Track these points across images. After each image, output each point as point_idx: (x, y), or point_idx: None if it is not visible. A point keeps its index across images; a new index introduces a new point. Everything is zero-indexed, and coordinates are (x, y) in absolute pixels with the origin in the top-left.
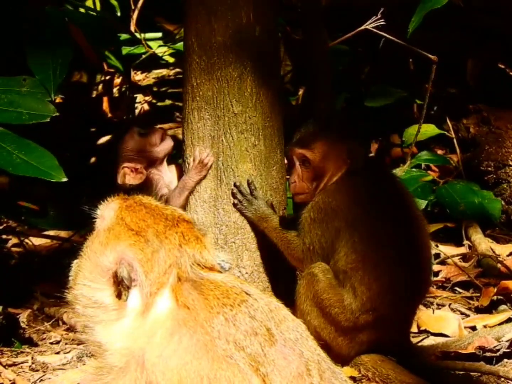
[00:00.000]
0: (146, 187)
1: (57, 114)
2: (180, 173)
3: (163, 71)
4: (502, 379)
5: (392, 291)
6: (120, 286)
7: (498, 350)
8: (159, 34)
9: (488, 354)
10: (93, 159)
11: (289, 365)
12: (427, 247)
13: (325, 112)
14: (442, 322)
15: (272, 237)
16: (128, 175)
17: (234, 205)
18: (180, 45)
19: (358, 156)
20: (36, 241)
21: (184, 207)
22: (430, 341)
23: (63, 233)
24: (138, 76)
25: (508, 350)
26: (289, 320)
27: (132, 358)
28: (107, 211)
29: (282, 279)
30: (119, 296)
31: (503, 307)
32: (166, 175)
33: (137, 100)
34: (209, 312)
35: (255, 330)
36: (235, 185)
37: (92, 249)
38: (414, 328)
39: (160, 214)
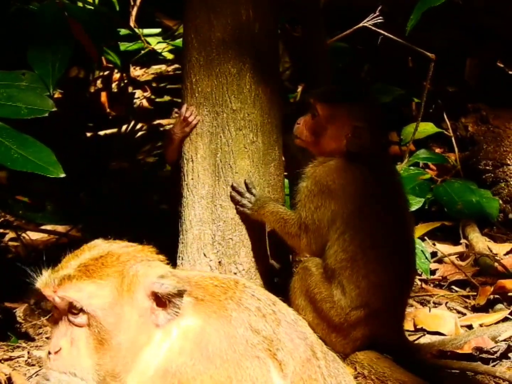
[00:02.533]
0: None
1: (56, 109)
2: None
3: (162, 67)
4: (498, 379)
5: (381, 286)
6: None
7: (495, 352)
8: (158, 30)
9: (484, 355)
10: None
11: (297, 348)
12: (412, 240)
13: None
14: (439, 321)
15: (270, 222)
16: None
17: (236, 208)
18: (179, 41)
19: (360, 141)
20: (33, 235)
21: (175, 152)
22: (426, 339)
23: (60, 228)
24: (137, 72)
25: (504, 351)
26: (281, 303)
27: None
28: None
29: (279, 276)
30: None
31: (499, 306)
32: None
33: (136, 96)
34: (219, 301)
35: (262, 311)
36: (232, 186)
37: (117, 303)
38: (410, 327)
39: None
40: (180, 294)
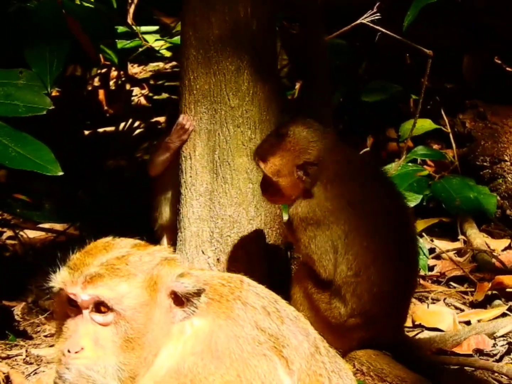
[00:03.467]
0: None
1: (54, 107)
2: None
3: (160, 64)
4: (496, 374)
5: (384, 296)
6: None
7: (495, 354)
8: (156, 28)
9: (484, 358)
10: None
11: (301, 344)
12: (414, 240)
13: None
14: (437, 317)
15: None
16: None
17: None
18: (177, 39)
19: (312, 174)
20: (31, 233)
21: (166, 166)
22: (425, 335)
23: (58, 226)
24: (134, 69)
25: (504, 353)
26: (282, 300)
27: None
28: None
29: (277, 273)
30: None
31: (497, 302)
32: None
33: (134, 93)
34: (227, 301)
35: (267, 309)
36: None
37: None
38: (409, 323)
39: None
40: (198, 293)
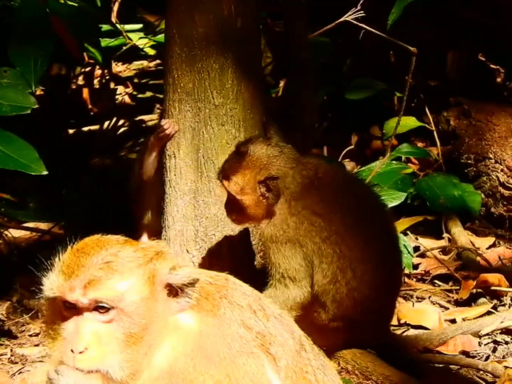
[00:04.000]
0: None
1: (38, 106)
2: None
3: (144, 63)
4: (482, 372)
5: (367, 300)
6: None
7: (482, 356)
8: (140, 26)
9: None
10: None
11: (287, 341)
12: (395, 238)
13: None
14: (422, 315)
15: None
16: None
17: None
18: (161, 37)
19: (274, 190)
20: (16, 233)
21: (154, 164)
22: (410, 334)
23: (42, 225)
24: (118, 68)
25: (490, 354)
26: (265, 298)
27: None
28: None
29: (261, 272)
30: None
31: (482, 300)
32: None
33: (118, 92)
34: (214, 299)
35: (253, 307)
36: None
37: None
38: (394, 321)
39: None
40: (193, 283)
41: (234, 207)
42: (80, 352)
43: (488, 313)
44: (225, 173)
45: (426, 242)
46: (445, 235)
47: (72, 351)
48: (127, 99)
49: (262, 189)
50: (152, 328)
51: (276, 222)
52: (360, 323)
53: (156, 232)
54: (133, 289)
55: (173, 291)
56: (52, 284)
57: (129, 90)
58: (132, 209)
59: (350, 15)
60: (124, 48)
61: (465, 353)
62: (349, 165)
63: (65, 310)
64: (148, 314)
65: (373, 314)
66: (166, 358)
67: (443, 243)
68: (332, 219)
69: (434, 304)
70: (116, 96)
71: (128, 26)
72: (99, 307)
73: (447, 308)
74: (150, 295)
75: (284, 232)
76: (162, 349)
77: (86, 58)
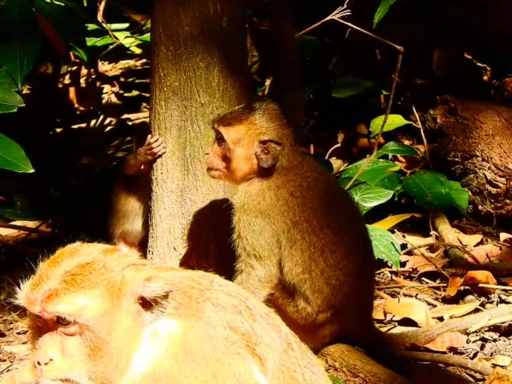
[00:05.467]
0: None
1: (24, 104)
2: None
3: (130, 62)
4: (470, 370)
5: (344, 287)
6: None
7: (469, 352)
8: (126, 25)
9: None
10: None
11: (273, 341)
12: (364, 231)
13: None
14: (409, 308)
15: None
16: None
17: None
18: (147, 36)
19: (271, 154)
20: (3, 231)
21: (135, 168)
22: (397, 331)
23: (30, 223)
24: (105, 67)
25: (478, 350)
26: (252, 298)
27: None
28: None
29: None
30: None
31: (470, 297)
32: None
33: (104, 91)
34: (197, 303)
35: (238, 308)
36: None
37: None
38: (381, 316)
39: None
40: (166, 295)
41: (218, 156)
42: (46, 364)
43: (476, 310)
44: (227, 120)
45: (413, 240)
46: (433, 232)
47: (38, 363)
48: (113, 98)
49: (259, 149)
50: (119, 341)
51: (253, 192)
52: (345, 311)
53: (132, 240)
54: (94, 304)
55: (147, 303)
56: (20, 293)
57: (116, 89)
58: (109, 219)
59: (336, 13)
60: (111, 47)
61: (453, 349)
62: (335, 163)
63: (37, 320)
64: (112, 328)
65: (354, 299)
66: (148, 363)
67: (430, 240)
68: (306, 206)
69: (421, 301)
70: (103, 95)
71: (114, 25)
72: (61, 320)
73: (434, 306)
74: (113, 309)
75: (258, 204)
76: (141, 356)
77: (73, 57)
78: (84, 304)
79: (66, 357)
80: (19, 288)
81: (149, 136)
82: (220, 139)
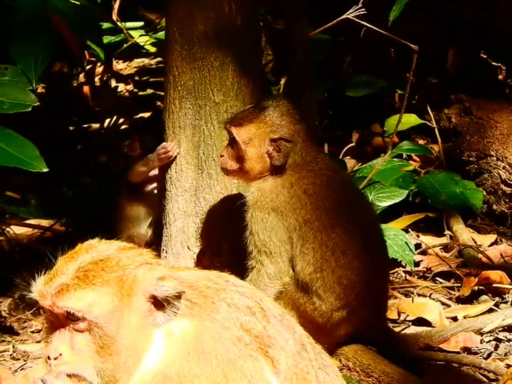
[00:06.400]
0: None
1: (39, 103)
2: None
3: (145, 60)
4: (483, 370)
5: (357, 286)
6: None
7: (483, 352)
8: (141, 23)
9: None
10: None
11: (287, 343)
12: (378, 230)
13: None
14: (423, 308)
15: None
16: None
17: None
18: (161, 34)
19: (283, 152)
20: (18, 229)
21: (142, 175)
22: (411, 330)
23: (44, 222)
24: (119, 65)
25: (492, 350)
26: (267, 299)
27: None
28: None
29: None
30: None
31: (484, 297)
32: None
33: (119, 89)
34: (212, 303)
35: (252, 309)
36: None
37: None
38: (394, 315)
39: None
40: (178, 296)
41: (232, 157)
42: (55, 358)
43: (490, 310)
44: (238, 120)
45: (427, 240)
46: (447, 232)
47: (48, 357)
48: (128, 96)
49: (270, 148)
50: (128, 339)
51: (266, 189)
52: (358, 311)
53: (139, 242)
54: (103, 301)
55: (159, 303)
56: (35, 287)
57: (130, 87)
58: (115, 222)
59: (351, 12)
60: (125, 45)
61: (466, 350)
62: (350, 162)
63: (51, 315)
64: (120, 326)
65: (367, 299)
66: (160, 362)
67: (444, 240)
68: (318, 204)
69: (435, 301)
70: (117, 94)
71: (129, 24)
72: (70, 316)
73: (448, 306)
74: (125, 308)
75: (271, 201)
76: (154, 354)
77: (87, 56)
78: (93, 300)
79: (75, 352)
80: (34, 282)
81: (164, 143)
82: (232, 140)
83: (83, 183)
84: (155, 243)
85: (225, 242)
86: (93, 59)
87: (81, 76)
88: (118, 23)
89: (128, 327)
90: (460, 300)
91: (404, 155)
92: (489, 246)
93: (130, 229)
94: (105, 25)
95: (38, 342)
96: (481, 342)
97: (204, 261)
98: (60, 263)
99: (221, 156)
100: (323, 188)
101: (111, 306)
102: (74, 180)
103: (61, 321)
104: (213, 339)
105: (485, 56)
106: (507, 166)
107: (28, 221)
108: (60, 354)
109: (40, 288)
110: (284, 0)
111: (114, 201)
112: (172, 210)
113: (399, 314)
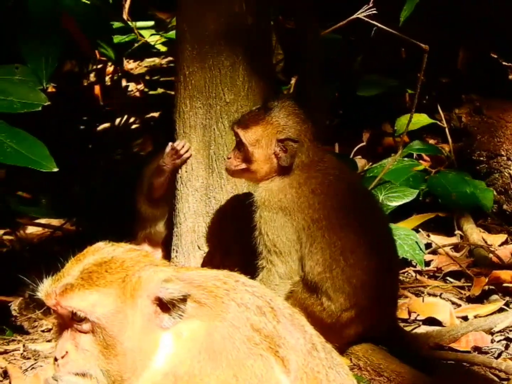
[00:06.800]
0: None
1: (49, 103)
2: None
3: (155, 60)
4: (494, 369)
5: (367, 285)
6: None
7: (494, 352)
8: (151, 23)
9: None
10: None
11: (297, 342)
12: (387, 229)
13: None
14: (433, 308)
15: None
16: None
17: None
18: (172, 33)
19: (289, 152)
20: (28, 229)
21: (164, 185)
22: (422, 330)
23: (54, 222)
24: (130, 65)
25: (503, 350)
26: (277, 298)
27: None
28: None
29: None
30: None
31: (494, 297)
32: None
33: (129, 89)
34: (222, 303)
35: (262, 309)
36: None
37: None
38: (405, 315)
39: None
40: (184, 298)
41: (239, 159)
42: (62, 357)
43: (500, 310)
44: (244, 122)
45: (438, 239)
46: (457, 232)
47: (55, 358)
48: (138, 95)
49: (277, 148)
50: (134, 341)
51: (274, 189)
52: (368, 310)
53: (157, 240)
54: (106, 302)
55: (164, 305)
56: (42, 286)
57: (141, 87)
58: (133, 223)
59: (362, 12)
60: (136, 45)
61: (477, 349)
62: (360, 162)
63: (57, 317)
64: (126, 327)
65: (377, 298)
66: (170, 362)
67: (455, 240)
68: (326, 204)
69: (446, 301)
70: (128, 93)
71: (139, 23)
72: (75, 317)
73: (459, 305)
74: (128, 309)
75: (279, 201)
76: (164, 354)
77: (98, 55)
78: (96, 301)
79: (80, 352)
80: (42, 283)
81: (175, 143)
82: (239, 142)
83: (94, 183)
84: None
85: (236, 242)
86: (103, 58)
87: (92, 75)
88: (129, 23)
89: (132, 328)
90: (471, 300)
91: (415, 155)
92: (500, 245)
93: (147, 228)
94: (116, 24)
95: (49, 341)
96: (491, 342)
97: (214, 260)
98: (68, 265)
99: (228, 158)
100: (331, 188)
101: (113, 307)
102: (84, 179)
103: (66, 322)
104: (223, 338)
105: (495, 56)
106: None
107: (38, 221)
108: (66, 352)
109: (46, 288)
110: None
111: (130, 201)
112: (183, 210)
113: (409, 313)
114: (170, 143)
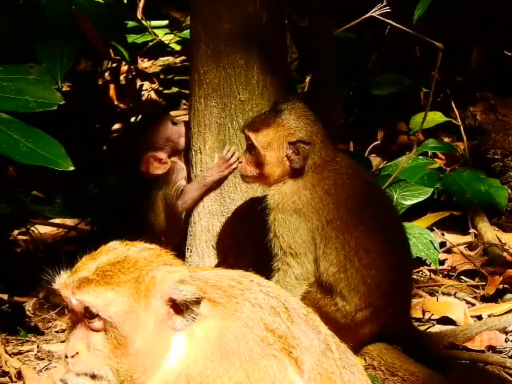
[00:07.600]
0: (165, 176)
1: (64, 102)
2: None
3: (170, 59)
4: (509, 369)
5: (381, 285)
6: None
7: (508, 351)
8: (166, 22)
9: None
10: (103, 147)
11: (311, 343)
12: (400, 228)
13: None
14: (448, 307)
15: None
16: (152, 165)
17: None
18: (186, 32)
19: (301, 155)
20: (42, 229)
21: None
22: (436, 329)
23: (69, 221)
24: (144, 64)
25: None
26: (292, 298)
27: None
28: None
29: None
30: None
31: (509, 296)
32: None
33: (144, 88)
34: (236, 303)
35: (276, 309)
36: None
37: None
38: (419, 314)
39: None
40: (198, 301)
41: (251, 163)
42: (72, 357)
43: None
44: (255, 125)
45: (452, 238)
46: (472, 230)
47: (66, 356)
48: (153, 95)
49: (289, 151)
50: (145, 341)
51: (288, 191)
52: (382, 310)
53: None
54: (119, 301)
55: (177, 306)
56: (58, 278)
57: (155, 86)
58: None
59: (376, 10)
60: (150, 44)
61: (491, 348)
62: (375, 160)
63: (71, 314)
64: (138, 327)
65: (392, 297)
66: (183, 362)
67: (469, 238)
68: (340, 204)
69: (460, 300)
70: (142, 92)
71: (154, 22)
72: (87, 314)
73: (473, 304)
74: (141, 309)
75: (292, 203)
76: (176, 355)
77: (112, 54)
78: (109, 300)
79: (91, 352)
80: (59, 276)
81: (223, 151)
82: (250, 145)
83: (108, 182)
84: None
85: (250, 242)
86: (118, 57)
87: (106, 74)
88: (143, 22)
89: (144, 328)
90: (485, 299)
91: (429, 153)
92: None
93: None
94: (130, 23)
95: (63, 342)
96: (505, 341)
97: (229, 260)
98: (82, 262)
99: (239, 162)
100: (345, 188)
101: (126, 306)
102: (99, 179)
103: (79, 319)
104: (237, 338)
105: (510, 54)
106: None
107: (52, 220)
108: (77, 353)
109: (64, 279)
110: None
111: (148, 202)
112: (197, 209)
113: (423, 313)
114: (216, 155)
